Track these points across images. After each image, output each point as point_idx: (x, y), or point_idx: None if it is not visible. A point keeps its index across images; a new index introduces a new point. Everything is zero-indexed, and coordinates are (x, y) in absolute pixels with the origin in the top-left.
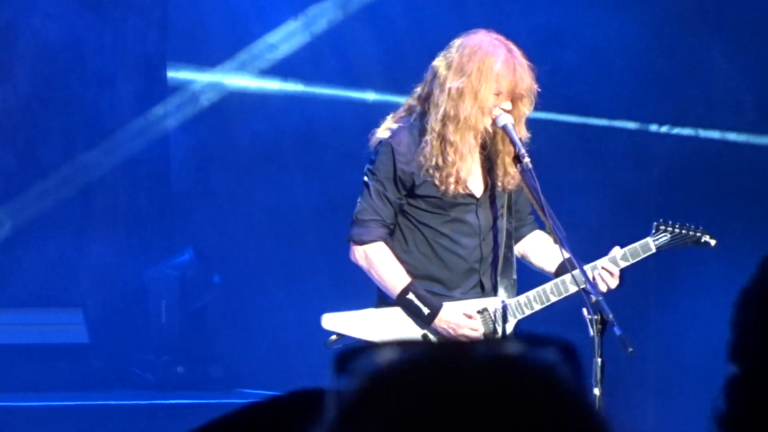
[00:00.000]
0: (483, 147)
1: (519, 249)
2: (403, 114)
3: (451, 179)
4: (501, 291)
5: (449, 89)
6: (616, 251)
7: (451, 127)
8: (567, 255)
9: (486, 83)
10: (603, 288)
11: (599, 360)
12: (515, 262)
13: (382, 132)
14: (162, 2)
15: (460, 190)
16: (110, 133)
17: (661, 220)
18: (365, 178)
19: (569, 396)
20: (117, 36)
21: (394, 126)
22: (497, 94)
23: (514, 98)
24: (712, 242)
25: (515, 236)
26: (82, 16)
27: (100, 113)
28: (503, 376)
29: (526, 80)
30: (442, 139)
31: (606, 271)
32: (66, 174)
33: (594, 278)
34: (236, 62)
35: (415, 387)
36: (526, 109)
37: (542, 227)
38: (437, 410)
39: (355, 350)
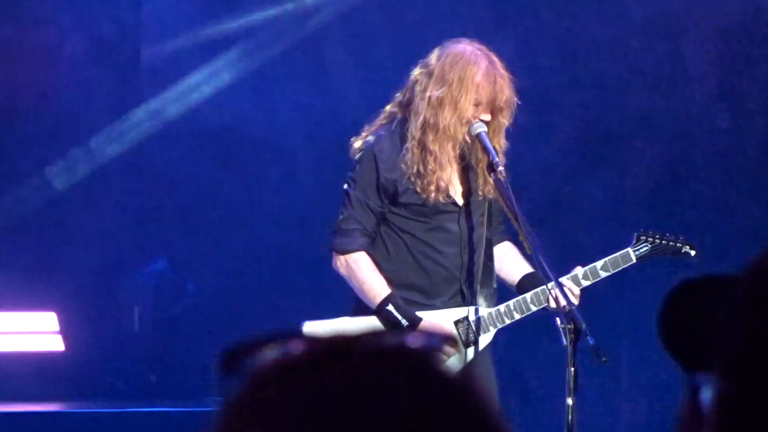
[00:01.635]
0: (462, 156)
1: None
2: (383, 121)
3: (432, 187)
4: (481, 300)
5: (429, 97)
6: (578, 270)
7: (430, 136)
8: (541, 263)
9: (466, 93)
10: (562, 303)
11: (572, 369)
12: (495, 271)
13: (363, 139)
14: (136, 8)
15: (441, 199)
16: (84, 140)
17: (641, 231)
18: (346, 186)
19: (447, 382)
20: (91, 43)
21: (375, 134)
22: (477, 105)
23: (494, 110)
24: (692, 252)
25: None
26: (56, 22)
27: (75, 120)
28: (381, 367)
29: (506, 92)
30: (422, 147)
31: (569, 290)
32: (40, 181)
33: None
34: (210, 69)
35: (294, 389)
36: (506, 120)
37: (512, 238)
38: (316, 410)
39: (239, 350)
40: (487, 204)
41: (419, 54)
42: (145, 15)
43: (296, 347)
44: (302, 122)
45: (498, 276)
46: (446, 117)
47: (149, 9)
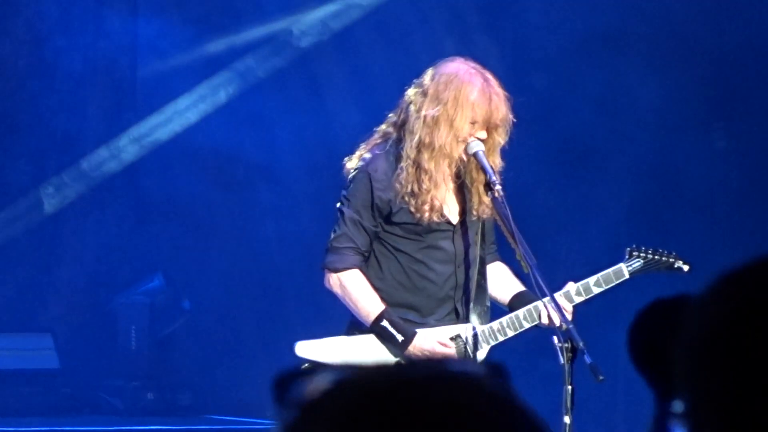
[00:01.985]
0: (458, 175)
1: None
2: (378, 141)
3: (426, 206)
4: (474, 318)
5: (425, 116)
6: (570, 286)
7: (426, 155)
8: (538, 281)
9: (462, 112)
10: (556, 321)
11: (569, 387)
12: (488, 289)
13: (357, 159)
14: (132, 28)
15: (435, 218)
16: (79, 158)
17: (634, 246)
18: (339, 205)
19: (501, 404)
20: (86, 61)
21: (369, 154)
22: (473, 123)
23: (489, 128)
24: (685, 267)
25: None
26: (52, 41)
27: (70, 138)
28: (436, 393)
29: (502, 110)
30: (417, 166)
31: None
32: (35, 199)
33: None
34: (206, 88)
35: (344, 412)
36: (501, 139)
37: (509, 257)
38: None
39: (289, 376)
40: (481, 223)
41: (414, 74)
42: (141, 35)
43: (345, 372)
44: (297, 142)
45: (489, 295)
46: (442, 136)
47: (145, 29)
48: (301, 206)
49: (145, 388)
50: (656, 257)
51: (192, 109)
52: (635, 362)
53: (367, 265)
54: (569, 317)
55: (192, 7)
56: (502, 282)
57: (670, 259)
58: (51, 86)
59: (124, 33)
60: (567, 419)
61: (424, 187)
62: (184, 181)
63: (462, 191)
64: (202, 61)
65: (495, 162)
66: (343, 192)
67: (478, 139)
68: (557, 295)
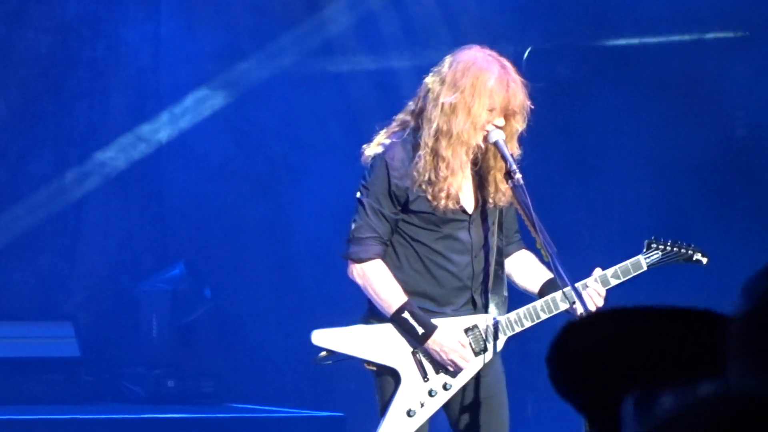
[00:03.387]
0: (474, 163)
1: (506, 266)
2: (396, 129)
3: (443, 194)
4: (492, 308)
5: (442, 104)
6: (599, 272)
7: (443, 142)
8: (558, 271)
9: (479, 99)
10: (591, 308)
11: None
12: (506, 279)
13: (375, 147)
14: (156, 16)
15: (451, 206)
16: (102, 146)
17: (653, 238)
18: (359, 195)
19: None
20: (110, 49)
21: (387, 141)
22: (490, 110)
23: (507, 114)
24: (704, 260)
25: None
26: (75, 29)
27: (93, 126)
28: None
29: (519, 97)
30: (435, 154)
31: (595, 291)
32: (58, 187)
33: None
34: (228, 76)
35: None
36: (519, 126)
37: (529, 245)
38: None
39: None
40: (498, 212)
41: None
42: (164, 23)
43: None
44: (316, 130)
45: (518, 285)
46: (459, 123)
47: (168, 17)
48: (324, 198)
49: (166, 376)
50: (675, 249)
51: (214, 98)
52: (557, 387)
53: (386, 254)
54: (601, 302)
55: None
56: (530, 270)
57: (689, 251)
58: (74, 74)
59: (147, 21)
60: None
61: (442, 174)
62: (206, 169)
63: (479, 180)
64: (226, 50)
65: (513, 149)
66: (362, 181)
67: (496, 126)
68: (590, 280)
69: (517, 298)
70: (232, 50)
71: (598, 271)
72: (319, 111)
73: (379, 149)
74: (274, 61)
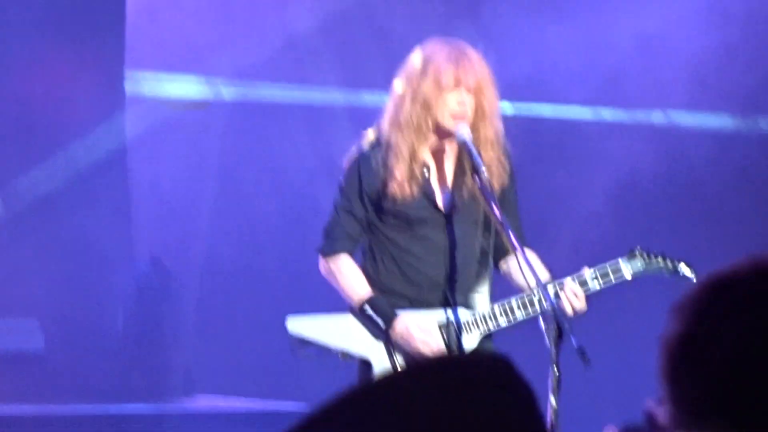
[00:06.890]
0: (460, 163)
1: (503, 266)
2: (375, 129)
3: (394, 183)
4: (468, 306)
5: (395, 96)
6: (586, 271)
7: (394, 132)
8: (527, 268)
9: (425, 78)
10: (568, 310)
11: (556, 371)
12: (488, 278)
13: (355, 148)
14: (120, 10)
15: (407, 194)
16: (67, 143)
17: (638, 248)
18: (336, 193)
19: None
20: (74, 45)
21: (367, 144)
22: (439, 88)
23: (468, 90)
24: (690, 275)
25: (501, 253)
26: (38, 26)
27: (56, 124)
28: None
29: (475, 70)
30: (387, 145)
31: (572, 291)
32: (23, 183)
33: (558, 296)
34: (195, 71)
35: None
36: (489, 132)
37: (527, 244)
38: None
39: None
40: (482, 212)
41: None
42: (131, 17)
43: None
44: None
45: (514, 284)
46: (407, 108)
47: (134, 13)
48: (300, 191)
49: (132, 369)
50: (659, 260)
51: (185, 92)
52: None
53: (364, 254)
54: (581, 303)
55: None
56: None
57: (674, 265)
58: (37, 70)
59: (112, 15)
60: (553, 402)
61: (389, 163)
62: (174, 161)
63: (454, 178)
64: (199, 46)
65: (495, 125)
66: (340, 179)
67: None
68: (568, 280)
69: (500, 295)
70: (207, 48)
71: (585, 270)
72: (295, 103)
73: (355, 151)
74: (251, 52)
